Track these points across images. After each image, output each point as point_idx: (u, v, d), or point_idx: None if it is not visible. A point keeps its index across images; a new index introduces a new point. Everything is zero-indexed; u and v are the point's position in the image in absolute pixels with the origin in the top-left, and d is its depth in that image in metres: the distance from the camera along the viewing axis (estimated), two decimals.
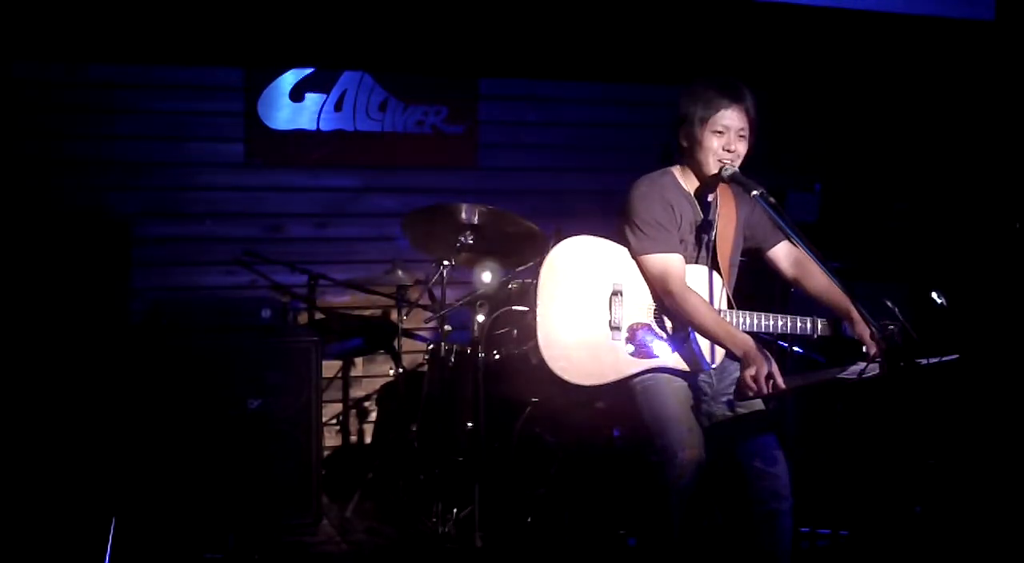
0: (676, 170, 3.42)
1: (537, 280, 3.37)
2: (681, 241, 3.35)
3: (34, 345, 4.13)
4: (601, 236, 3.42)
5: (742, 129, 3.29)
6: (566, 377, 3.30)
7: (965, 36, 5.22)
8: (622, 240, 3.38)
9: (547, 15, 5.11)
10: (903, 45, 5.29)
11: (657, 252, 3.30)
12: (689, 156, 3.36)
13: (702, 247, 3.41)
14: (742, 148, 3.30)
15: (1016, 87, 5.09)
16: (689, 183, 3.40)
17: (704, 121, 3.27)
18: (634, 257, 3.35)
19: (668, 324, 3.37)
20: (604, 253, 3.39)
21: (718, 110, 3.26)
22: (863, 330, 3.21)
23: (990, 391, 4.57)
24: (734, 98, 3.27)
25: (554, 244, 3.45)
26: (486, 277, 4.36)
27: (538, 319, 3.33)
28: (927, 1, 5.18)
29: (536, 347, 3.32)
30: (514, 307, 4.18)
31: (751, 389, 3.12)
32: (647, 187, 3.37)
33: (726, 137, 3.27)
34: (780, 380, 3.11)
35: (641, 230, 3.31)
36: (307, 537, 4.29)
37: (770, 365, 3.14)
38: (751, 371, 3.12)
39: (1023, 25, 5.14)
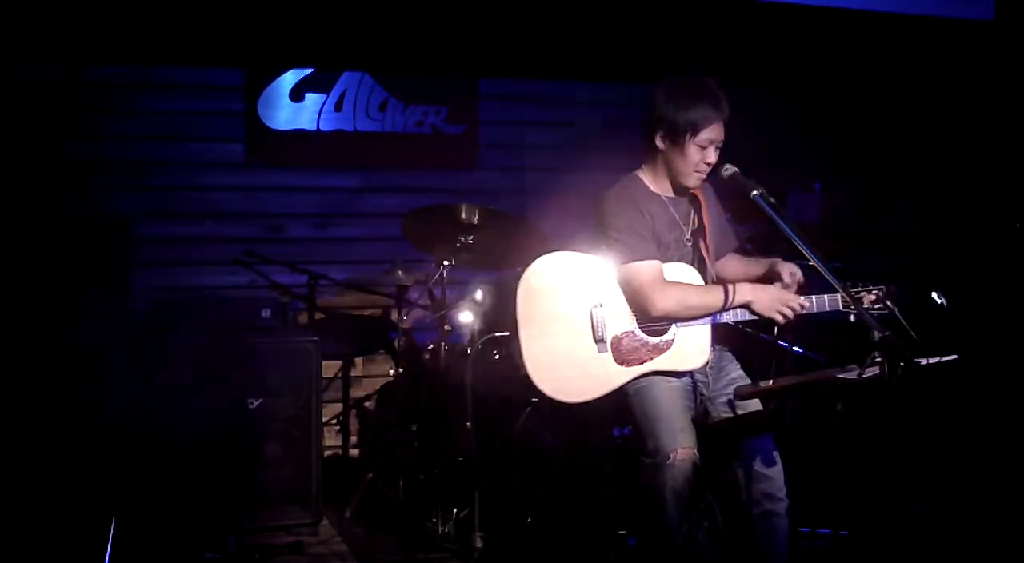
0: (644, 173, 3.40)
1: (515, 304, 3.33)
2: (660, 243, 3.33)
3: (34, 345, 4.13)
4: (581, 246, 3.40)
5: (721, 140, 3.28)
6: (559, 398, 3.29)
7: (965, 36, 5.22)
8: (596, 252, 3.35)
9: (546, 15, 5.11)
10: (903, 45, 5.29)
11: (633, 260, 3.27)
12: (665, 160, 3.34)
13: (680, 245, 3.38)
14: (716, 158, 3.29)
15: (1016, 87, 5.09)
16: (659, 185, 3.38)
17: (693, 134, 3.24)
18: (610, 268, 3.33)
19: (652, 327, 3.34)
20: (578, 267, 3.37)
21: (708, 125, 3.23)
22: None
23: (990, 391, 4.57)
24: (722, 112, 3.25)
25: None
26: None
27: (522, 343, 3.30)
28: (927, 1, 5.18)
29: (524, 372, 3.29)
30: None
31: (786, 320, 3.21)
32: (616, 197, 3.35)
33: (708, 150, 3.26)
34: (802, 298, 3.22)
35: (616, 240, 3.29)
36: (307, 537, 4.29)
37: (784, 291, 3.24)
38: (774, 308, 3.21)
39: (1023, 25, 5.14)
